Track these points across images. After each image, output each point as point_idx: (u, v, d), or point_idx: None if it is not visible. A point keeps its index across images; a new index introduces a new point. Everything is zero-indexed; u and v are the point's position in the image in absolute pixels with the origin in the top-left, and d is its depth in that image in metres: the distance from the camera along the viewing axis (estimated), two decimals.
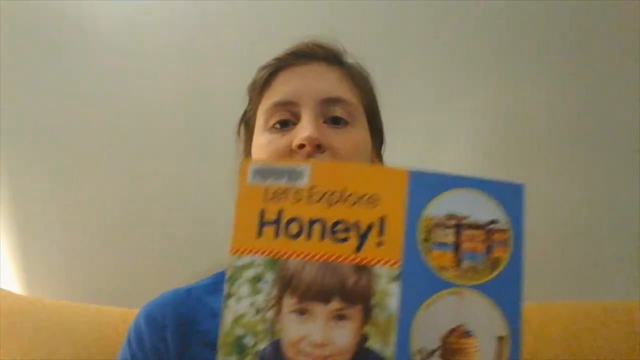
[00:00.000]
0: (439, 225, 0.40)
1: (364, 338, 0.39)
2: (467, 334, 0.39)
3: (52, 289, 1.24)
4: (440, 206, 0.40)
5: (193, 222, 1.19)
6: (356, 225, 0.40)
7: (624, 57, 1.17)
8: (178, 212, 1.22)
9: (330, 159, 0.56)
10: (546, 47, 1.19)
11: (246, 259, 0.40)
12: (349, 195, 0.41)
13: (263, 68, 0.65)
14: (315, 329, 0.38)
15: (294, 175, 0.41)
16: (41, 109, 1.30)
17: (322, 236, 0.40)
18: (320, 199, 0.41)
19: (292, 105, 0.60)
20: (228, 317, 0.39)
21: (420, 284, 0.39)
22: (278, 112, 0.61)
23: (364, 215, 0.40)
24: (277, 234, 0.40)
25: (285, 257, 0.39)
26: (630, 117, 1.15)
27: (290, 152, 0.57)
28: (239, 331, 0.39)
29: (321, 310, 0.39)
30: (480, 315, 0.39)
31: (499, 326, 0.39)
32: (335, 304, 0.39)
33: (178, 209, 1.22)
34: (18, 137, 1.30)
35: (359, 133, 0.62)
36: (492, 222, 0.41)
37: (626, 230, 1.12)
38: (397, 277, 0.39)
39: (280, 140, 0.59)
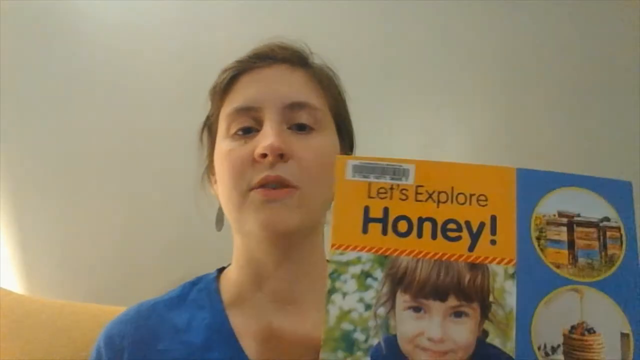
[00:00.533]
0: (551, 223, 0.41)
1: (483, 334, 0.39)
2: (589, 331, 0.38)
3: (52, 289, 1.24)
4: (550, 204, 0.41)
5: (193, 222, 1.11)
6: (468, 224, 0.41)
7: (625, 57, 1.16)
8: (178, 213, 1.19)
9: (294, 168, 0.54)
10: (546, 47, 1.19)
11: (351, 255, 0.40)
12: (458, 195, 0.42)
13: (224, 71, 0.62)
14: (433, 326, 0.39)
15: (398, 173, 0.42)
16: (41, 109, 1.31)
17: (434, 235, 0.41)
18: (429, 198, 0.42)
19: (254, 111, 0.57)
20: (333, 313, 0.39)
21: (537, 281, 0.39)
22: (239, 118, 0.58)
23: (475, 214, 0.41)
24: (384, 232, 0.41)
25: (395, 254, 0.40)
26: (630, 117, 1.16)
27: (252, 162, 0.55)
28: (346, 326, 0.39)
29: (438, 308, 0.39)
30: (601, 312, 0.39)
31: (622, 323, 0.38)
32: (452, 301, 0.39)
33: (178, 210, 1.17)
34: (18, 138, 1.31)
35: (325, 139, 0.59)
36: (604, 219, 0.41)
37: None
38: (513, 275, 0.39)
39: (242, 149, 0.56)
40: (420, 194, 0.42)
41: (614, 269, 0.40)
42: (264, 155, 0.53)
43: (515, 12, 1.21)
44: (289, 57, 0.61)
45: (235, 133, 0.58)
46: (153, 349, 0.57)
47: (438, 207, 0.42)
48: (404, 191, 0.42)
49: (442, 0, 1.23)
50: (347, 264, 0.40)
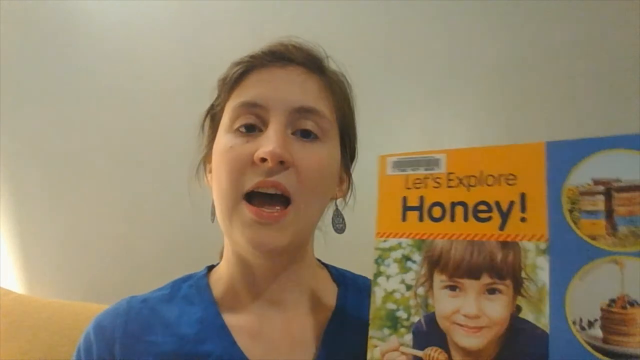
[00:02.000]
0: (585, 193, 0.39)
1: (517, 310, 0.40)
2: (632, 304, 0.36)
3: (52, 289, 1.25)
4: (583, 173, 0.39)
5: (193, 222, 1.08)
6: (497, 204, 0.42)
7: (626, 56, 1.07)
8: (178, 213, 1.18)
9: (292, 177, 0.53)
10: (546, 47, 1.12)
11: (393, 241, 0.46)
12: (487, 177, 0.43)
13: (237, 64, 0.59)
14: (468, 303, 0.42)
15: (431, 163, 0.46)
16: (41, 109, 1.32)
17: (466, 217, 0.43)
18: (459, 183, 0.44)
19: (260, 109, 0.55)
20: (378, 294, 0.45)
21: (571, 255, 0.38)
22: (245, 114, 0.56)
23: (504, 194, 0.42)
24: (421, 218, 0.45)
25: (432, 237, 0.44)
26: (632, 119, 1.04)
27: (251, 164, 0.53)
28: (390, 306, 0.45)
29: (472, 286, 0.42)
30: None
31: None
32: (485, 279, 0.41)
33: (178, 210, 1.18)
34: (18, 137, 1.32)
35: (328, 150, 0.57)
36: None
37: None
38: (545, 250, 0.39)
39: (243, 147, 0.54)
40: (452, 180, 0.45)
41: None
42: (264, 160, 0.52)
43: (517, 13, 1.14)
44: (305, 59, 0.59)
45: (238, 129, 0.56)
46: (144, 341, 0.57)
47: (468, 190, 0.44)
48: (437, 179, 0.46)
49: (442, 0, 1.17)
50: (390, 249, 0.46)
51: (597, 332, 0.37)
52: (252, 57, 0.59)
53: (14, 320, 1.03)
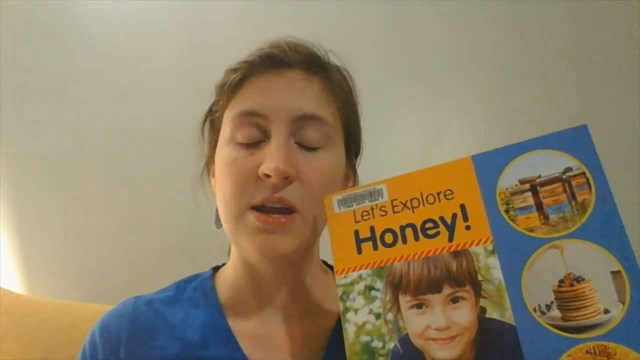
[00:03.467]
0: (515, 193, 0.44)
1: (482, 311, 0.42)
2: (577, 280, 0.40)
3: (52, 289, 1.24)
4: (509, 176, 0.44)
5: (193, 222, 1.10)
6: (442, 219, 0.46)
7: (625, 56, 1.14)
8: (178, 213, 1.19)
9: (298, 190, 0.53)
10: (545, 46, 1.17)
11: (353, 275, 0.47)
12: (427, 197, 0.47)
13: (233, 71, 0.58)
14: (436, 316, 0.43)
15: (374, 195, 0.49)
16: (41, 109, 1.31)
17: (416, 237, 0.46)
18: (404, 207, 0.47)
19: (261, 118, 0.54)
20: (350, 330, 0.46)
21: (516, 250, 0.42)
22: (246, 124, 0.55)
23: (446, 209, 0.46)
24: (375, 247, 0.47)
25: (389, 263, 0.46)
26: (631, 114, 1.11)
27: (255, 178, 0.53)
28: (364, 338, 0.45)
29: (436, 299, 0.44)
30: (585, 259, 0.40)
31: (609, 262, 0.39)
32: (447, 290, 0.44)
33: (178, 210, 1.19)
34: (18, 137, 1.31)
35: (332, 157, 0.57)
36: (566, 170, 0.43)
37: None
38: (493, 251, 0.43)
39: (246, 162, 0.54)
40: (396, 206, 0.48)
41: (587, 213, 0.41)
42: (269, 176, 0.52)
43: (516, 10, 1.20)
44: (304, 62, 0.58)
45: (241, 142, 0.55)
46: (149, 345, 0.56)
47: (413, 212, 0.47)
48: (382, 208, 0.48)
49: (443, 0, 1.23)
50: (352, 283, 0.47)
51: (556, 313, 0.40)
52: (248, 63, 0.58)
53: (14, 320, 1.02)
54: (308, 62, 0.58)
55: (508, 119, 1.19)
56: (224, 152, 0.57)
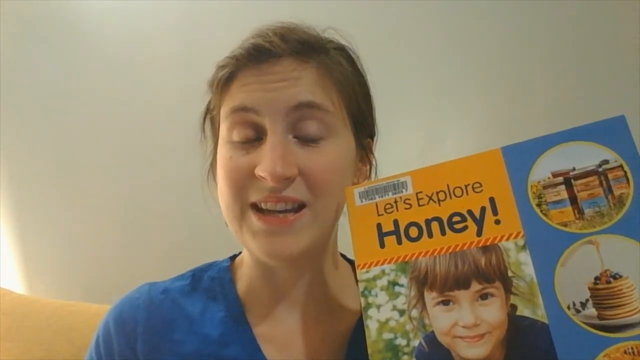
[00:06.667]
0: (547, 186, 0.42)
1: (513, 309, 0.41)
2: (615, 277, 0.38)
3: (52, 289, 1.25)
4: (541, 169, 0.42)
5: (194, 221, 1.12)
6: (470, 212, 0.44)
7: (624, 55, 1.12)
8: (179, 212, 1.18)
9: (302, 186, 0.51)
10: (545, 46, 1.16)
11: (376, 270, 0.45)
12: (455, 189, 0.45)
13: (222, 67, 0.55)
14: (464, 313, 0.42)
15: (398, 187, 0.47)
16: (41, 109, 1.32)
17: (443, 231, 0.44)
18: (430, 200, 0.46)
19: (254, 113, 0.51)
20: (372, 327, 0.44)
21: (548, 245, 0.41)
22: (239, 122, 0.52)
23: (474, 202, 0.44)
24: (399, 241, 0.45)
25: (414, 258, 0.44)
26: (630, 120, 1.04)
27: (253, 176, 0.51)
28: (387, 335, 0.43)
29: (464, 295, 0.42)
30: (622, 255, 0.38)
31: None
32: (475, 286, 0.42)
33: (179, 209, 1.18)
34: (18, 137, 1.32)
35: (337, 147, 0.53)
36: (603, 163, 0.41)
37: None
38: (524, 246, 0.41)
39: (242, 160, 0.51)
40: (421, 198, 0.46)
41: (625, 208, 0.39)
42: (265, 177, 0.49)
43: (516, 11, 1.18)
44: (295, 49, 0.53)
45: (237, 141, 0.53)
46: (167, 339, 0.54)
47: (440, 205, 0.45)
48: (407, 201, 0.47)
49: (443, 0, 1.22)
50: (374, 278, 0.45)
51: (592, 311, 0.38)
52: (235, 58, 0.54)
53: (14, 320, 1.03)
54: (299, 49, 0.53)
55: (508, 119, 1.18)
56: (222, 151, 0.55)
